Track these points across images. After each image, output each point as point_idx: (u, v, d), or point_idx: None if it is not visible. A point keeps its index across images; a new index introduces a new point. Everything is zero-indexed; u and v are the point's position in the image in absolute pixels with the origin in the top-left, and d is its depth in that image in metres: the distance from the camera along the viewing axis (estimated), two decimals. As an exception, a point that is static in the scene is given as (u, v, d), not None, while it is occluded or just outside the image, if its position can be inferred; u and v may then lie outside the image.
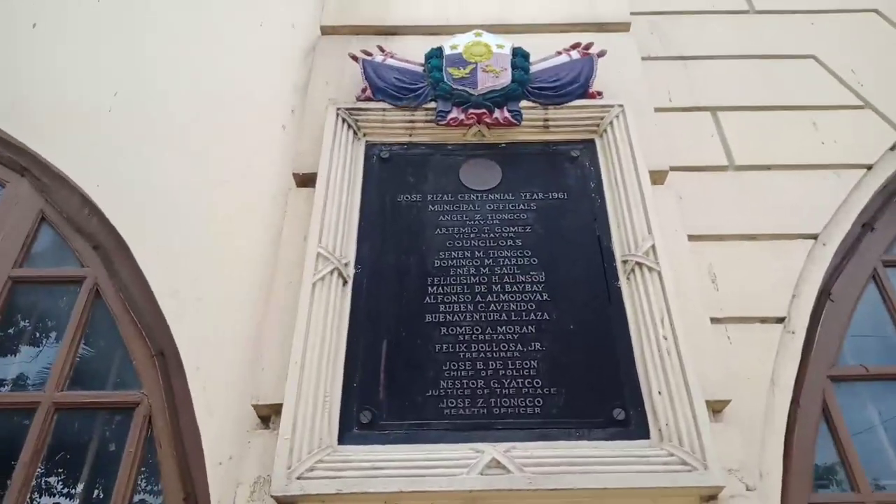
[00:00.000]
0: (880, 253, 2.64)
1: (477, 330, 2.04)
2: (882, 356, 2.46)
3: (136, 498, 2.11)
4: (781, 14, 3.28)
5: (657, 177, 2.44)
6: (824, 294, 2.47)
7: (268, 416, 2.00)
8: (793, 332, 2.33)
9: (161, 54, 3.02)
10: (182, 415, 2.17)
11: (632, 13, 3.05)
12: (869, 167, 2.73)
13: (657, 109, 2.73)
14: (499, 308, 2.09)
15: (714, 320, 2.22)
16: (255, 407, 1.99)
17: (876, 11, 3.30)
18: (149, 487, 2.14)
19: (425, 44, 2.74)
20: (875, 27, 3.25)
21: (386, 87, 2.49)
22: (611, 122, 2.49)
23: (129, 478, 2.10)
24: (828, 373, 2.33)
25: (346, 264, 2.15)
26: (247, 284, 2.34)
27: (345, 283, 2.13)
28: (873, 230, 2.67)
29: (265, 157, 2.67)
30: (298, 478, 1.75)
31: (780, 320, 2.32)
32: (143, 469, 2.14)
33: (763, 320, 2.31)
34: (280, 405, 1.90)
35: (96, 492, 2.16)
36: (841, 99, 2.96)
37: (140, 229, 2.50)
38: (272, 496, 1.75)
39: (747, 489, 1.86)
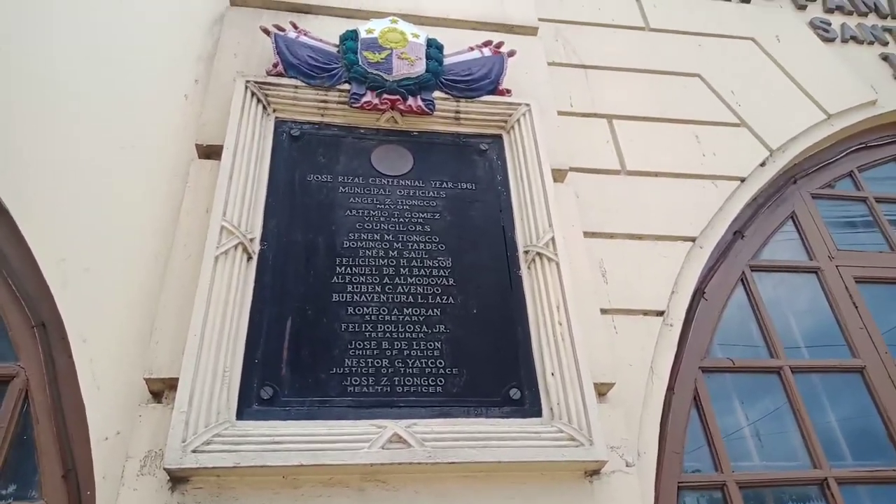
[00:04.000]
0: (748, 258, 2.94)
1: (383, 311, 2.08)
2: (747, 351, 2.72)
3: (8, 476, 1.96)
4: (673, 34, 3.55)
5: (558, 175, 2.57)
6: (699, 292, 2.71)
7: (161, 390, 1.94)
8: (671, 325, 2.53)
9: (54, 10, 2.81)
10: (64, 389, 2.05)
11: (539, 19, 3.19)
12: (742, 180, 3.02)
13: (560, 112, 2.89)
14: (405, 290, 2.13)
15: (603, 311, 2.38)
16: (148, 381, 1.92)
17: (753, 40, 3.64)
18: (24, 465, 1.99)
19: (339, 26, 2.74)
20: (752, 54, 3.59)
21: (299, 64, 2.46)
22: (518, 120, 2.59)
23: (0, 454, 1.95)
24: (699, 364, 2.56)
25: (251, 239, 2.11)
26: (141, 255, 2.24)
27: (249, 258, 2.09)
28: (743, 237, 2.96)
29: (165, 125, 2.56)
30: (194, 451, 1.71)
31: (660, 314, 2.52)
32: (17, 446, 1.99)
33: (645, 313, 2.50)
34: (174, 379, 1.85)
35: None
36: (721, 116, 3.25)
37: (23, 194, 2.32)
38: (165, 469, 1.71)
39: (627, 465, 2.01)
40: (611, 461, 1.94)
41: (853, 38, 3.89)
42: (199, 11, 2.93)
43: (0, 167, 2.36)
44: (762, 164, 3.13)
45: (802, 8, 3.97)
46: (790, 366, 2.64)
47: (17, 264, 2.23)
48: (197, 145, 2.38)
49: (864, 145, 3.53)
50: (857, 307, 2.87)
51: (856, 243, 3.21)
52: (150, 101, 2.62)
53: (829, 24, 3.90)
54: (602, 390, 2.15)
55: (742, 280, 2.87)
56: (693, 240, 2.76)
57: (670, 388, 2.41)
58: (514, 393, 2.00)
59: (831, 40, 3.84)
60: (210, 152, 2.35)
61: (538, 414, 1.98)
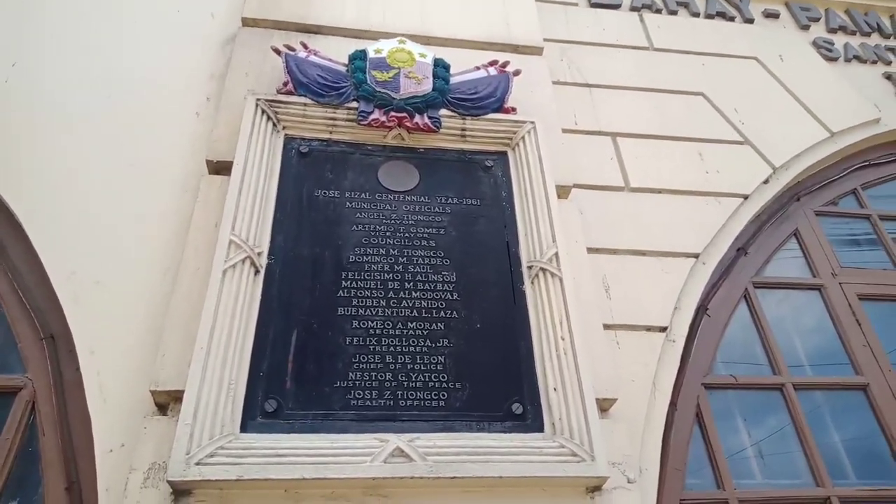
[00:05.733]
0: (752, 275, 2.95)
1: (388, 325, 2.10)
2: (749, 368, 2.73)
3: (12, 488, 1.98)
4: (676, 53, 3.59)
5: (562, 191, 2.60)
6: (702, 309, 2.72)
7: (166, 403, 1.96)
8: (673, 341, 2.54)
9: (68, 30, 2.87)
10: (71, 401, 2.08)
11: (545, 39, 3.24)
12: (746, 197, 3.04)
13: (564, 130, 2.92)
14: (410, 305, 2.15)
15: (606, 326, 2.40)
16: (154, 393, 1.94)
17: (756, 59, 3.68)
18: (28, 477, 2.01)
19: (348, 45, 2.80)
20: (755, 73, 3.62)
21: (308, 82, 2.51)
22: (523, 137, 2.63)
23: (4, 466, 1.97)
24: (702, 380, 2.57)
25: (259, 253, 2.14)
26: (150, 269, 2.27)
27: (257, 272, 2.12)
28: (747, 254, 2.97)
29: (176, 142, 2.61)
30: (197, 463, 1.73)
31: (663, 329, 2.53)
32: (22, 458, 2.01)
33: (648, 328, 2.51)
34: (180, 392, 1.87)
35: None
36: (724, 134, 3.28)
37: (36, 209, 2.36)
38: (168, 481, 1.72)
39: (628, 482, 2.01)
40: (612, 477, 1.94)
41: (856, 57, 3.92)
42: (212, 31, 2.99)
43: (14, 183, 2.41)
44: (765, 182, 3.15)
45: (805, 28, 4.00)
46: (793, 383, 2.65)
47: (29, 278, 2.27)
48: (207, 161, 2.43)
49: (867, 163, 3.55)
50: (860, 324, 2.87)
51: (859, 261, 3.22)
52: (162, 119, 2.67)
53: (833, 44, 3.94)
54: (604, 406, 2.16)
55: (745, 297, 2.88)
56: (696, 256, 2.78)
57: (672, 405, 2.41)
58: (517, 408, 2.01)
59: (834, 59, 3.87)
60: (220, 168, 2.39)
61: (540, 429, 1.99)
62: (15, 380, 2.11)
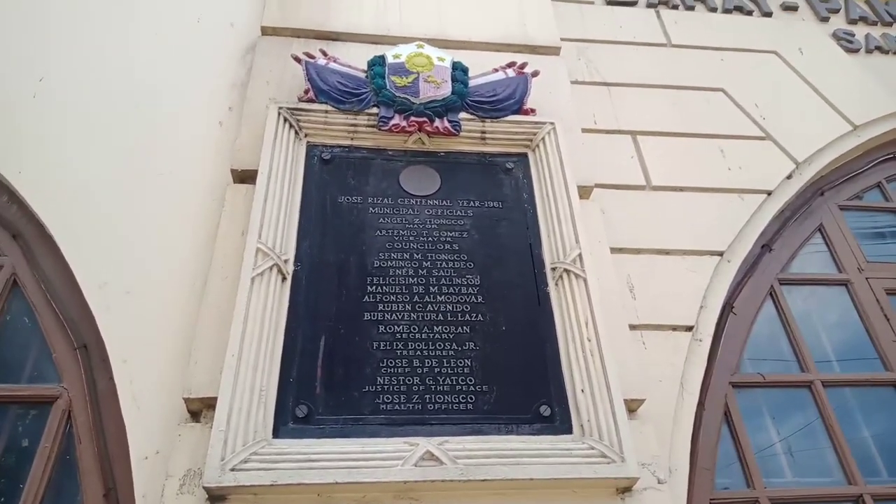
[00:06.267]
0: (777, 271, 2.92)
1: (414, 329, 2.11)
2: (777, 365, 2.71)
3: (51, 496, 2.03)
4: (695, 49, 3.57)
5: (584, 192, 2.60)
6: (728, 306, 2.70)
7: (199, 410, 1.99)
8: (700, 340, 2.53)
9: (92, 43, 2.92)
10: (106, 409, 2.12)
11: (562, 39, 3.23)
12: (769, 193, 3.02)
13: (584, 130, 2.92)
14: (435, 308, 2.16)
15: (632, 326, 2.40)
16: (187, 400, 1.97)
17: (776, 53, 3.64)
18: (66, 484, 2.05)
19: (366, 51, 2.82)
20: (775, 67, 3.59)
21: (329, 90, 2.53)
22: (543, 139, 2.63)
23: (44, 474, 2.02)
24: (730, 379, 2.56)
25: (285, 261, 2.17)
26: (179, 278, 2.31)
27: (284, 279, 2.14)
28: (771, 250, 2.95)
29: (201, 152, 2.65)
30: (232, 469, 1.75)
31: (689, 329, 2.52)
32: (60, 466, 2.06)
33: (674, 328, 2.50)
34: (212, 399, 1.90)
35: (7, 489, 2.05)
36: (746, 130, 3.25)
37: (66, 220, 2.41)
38: (204, 487, 1.74)
39: (658, 482, 2.01)
40: (642, 478, 1.94)
41: (878, 48, 3.87)
42: (233, 41, 3.03)
43: (45, 196, 2.47)
44: (788, 177, 3.12)
45: (825, 20, 3.96)
46: (821, 380, 2.62)
47: (61, 289, 2.33)
48: (232, 170, 2.46)
49: (891, 156, 3.50)
50: (888, 319, 2.84)
51: (886, 255, 3.18)
52: (186, 129, 2.71)
53: (853, 35, 3.89)
54: (632, 406, 2.15)
55: (771, 294, 2.86)
56: (721, 254, 2.76)
57: (701, 404, 2.41)
58: (545, 409, 2.01)
59: (855, 51, 3.82)
60: (245, 177, 2.42)
61: (569, 430, 1.99)
62: (51, 389, 2.16)
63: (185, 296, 2.26)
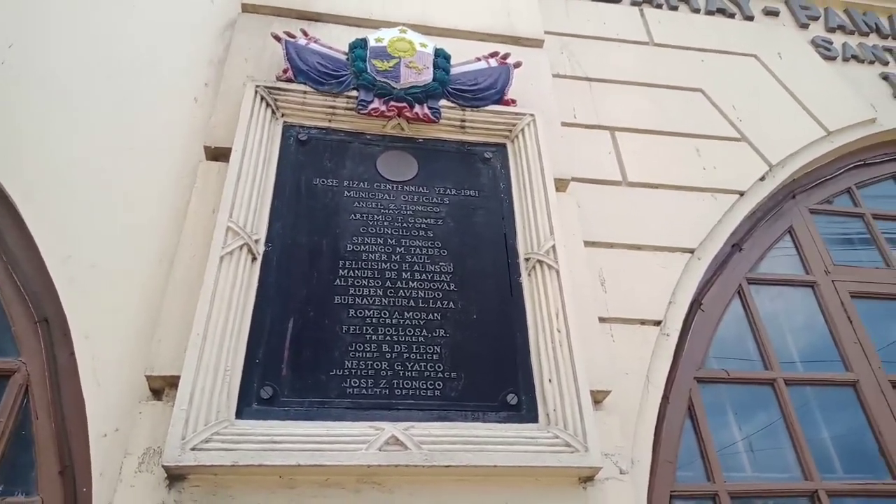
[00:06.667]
0: (746, 271, 2.97)
1: (385, 314, 2.10)
2: (742, 363, 2.75)
3: (5, 471, 1.98)
4: (676, 49, 3.60)
5: (560, 184, 2.60)
6: (696, 303, 2.74)
7: (161, 388, 1.95)
8: (667, 335, 2.56)
9: (66, 11, 2.84)
10: (65, 385, 2.07)
11: (546, 32, 3.23)
12: (741, 193, 3.05)
13: (563, 123, 2.92)
14: (407, 294, 2.15)
15: (601, 319, 2.41)
16: (149, 378, 1.93)
17: (755, 57, 3.69)
18: (21, 460, 2.00)
19: (348, 34, 2.79)
20: (754, 70, 3.64)
21: (308, 70, 2.50)
22: (522, 130, 2.63)
23: (-3, 450, 1.97)
24: (695, 374, 2.59)
25: (256, 241, 2.14)
26: (147, 254, 2.26)
27: (254, 259, 2.12)
28: (741, 250, 2.99)
29: (174, 127, 2.59)
30: (193, 449, 1.73)
31: (658, 323, 2.55)
32: (16, 441, 2.01)
33: (643, 322, 2.53)
34: (175, 377, 1.87)
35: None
36: (722, 131, 3.29)
37: (31, 191, 2.34)
38: (163, 466, 1.72)
39: (621, 473, 2.03)
40: (605, 468, 1.96)
41: (854, 56, 3.94)
42: (211, 16, 2.97)
43: (10, 167, 2.39)
44: (762, 179, 3.16)
45: (805, 27, 4.02)
46: (784, 378, 2.67)
47: (24, 261, 2.26)
48: (205, 147, 2.42)
49: (862, 162, 3.57)
50: (851, 322, 2.90)
51: (852, 259, 3.25)
52: (160, 103, 2.66)
53: (831, 43, 3.95)
54: (598, 398, 2.17)
55: (739, 292, 2.90)
56: (692, 251, 2.79)
57: (665, 398, 2.43)
58: (512, 398, 2.02)
59: (832, 59, 3.89)
60: (218, 154, 2.38)
61: (535, 419, 2.00)
62: (9, 363, 2.10)
63: (151, 272, 2.21)
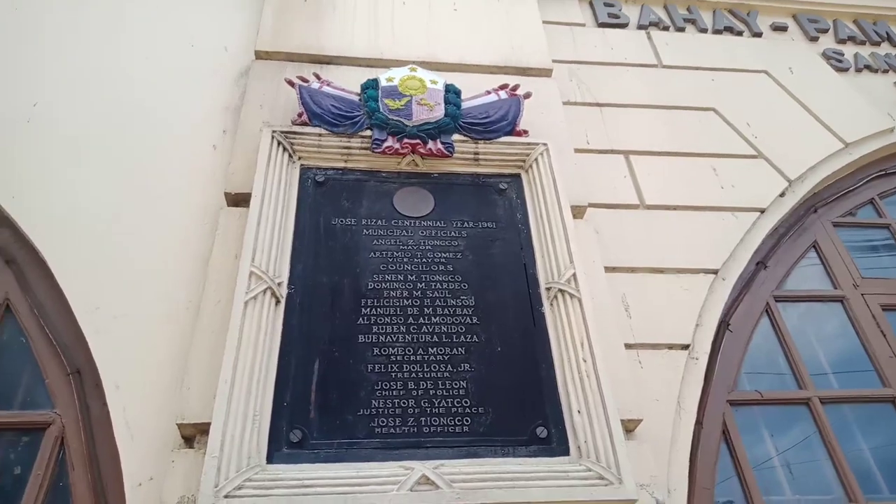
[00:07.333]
0: (772, 289, 2.93)
1: (409, 351, 2.10)
2: (774, 381, 2.70)
3: (44, 524, 2.00)
4: (686, 69, 3.61)
5: (577, 211, 2.61)
6: (724, 324, 2.70)
7: (192, 435, 1.97)
8: (696, 359, 2.52)
9: (86, 67, 2.94)
10: (99, 435, 2.10)
11: (554, 60, 3.27)
12: (762, 211, 3.03)
13: (577, 150, 2.93)
14: (430, 330, 2.16)
15: (627, 346, 2.39)
16: (180, 426, 1.95)
17: (766, 73, 3.68)
18: (59, 512, 2.03)
19: (360, 74, 2.85)
20: (766, 86, 3.63)
21: (323, 113, 2.55)
22: (536, 159, 2.64)
23: (37, 501, 1.99)
24: (727, 397, 2.54)
25: (279, 284, 2.16)
26: (172, 302, 2.30)
27: (277, 302, 2.14)
28: (766, 267, 2.96)
29: (194, 175, 2.65)
30: (226, 496, 1.73)
31: (685, 347, 2.51)
32: (53, 493, 2.03)
33: (670, 347, 2.50)
34: (206, 424, 1.88)
35: (-2, 518, 2.03)
36: (738, 149, 3.27)
37: (59, 245, 2.41)
38: (198, 515, 1.72)
39: (657, 503, 1.99)
40: (640, 499, 1.92)
41: (867, 66, 3.91)
42: (226, 64, 3.05)
43: (38, 220, 2.46)
44: (781, 195, 3.13)
45: (814, 40, 4.01)
46: (819, 396, 2.61)
47: (54, 314, 2.31)
48: (226, 193, 2.47)
49: (883, 172, 3.52)
50: (884, 335, 2.84)
51: (880, 269, 3.19)
52: (179, 152, 2.72)
53: (843, 55, 3.94)
54: (629, 427, 2.14)
55: (767, 311, 2.86)
56: (715, 272, 2.76)
57: (698, 423, 2.39)
58: (541, 431, 2.00)
59: (845, 70, 3.86)
60: (238, 200, 2.43)
61: (566, 452, 1.98)
62: (44, 415, 2.14)
63: (178, 320, 2.25)
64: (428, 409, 2.00)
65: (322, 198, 2.44)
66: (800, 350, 2.76)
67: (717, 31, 3.90)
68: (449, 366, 2.09)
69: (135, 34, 3.12)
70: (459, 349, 2.13)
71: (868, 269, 3.13)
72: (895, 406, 2.66)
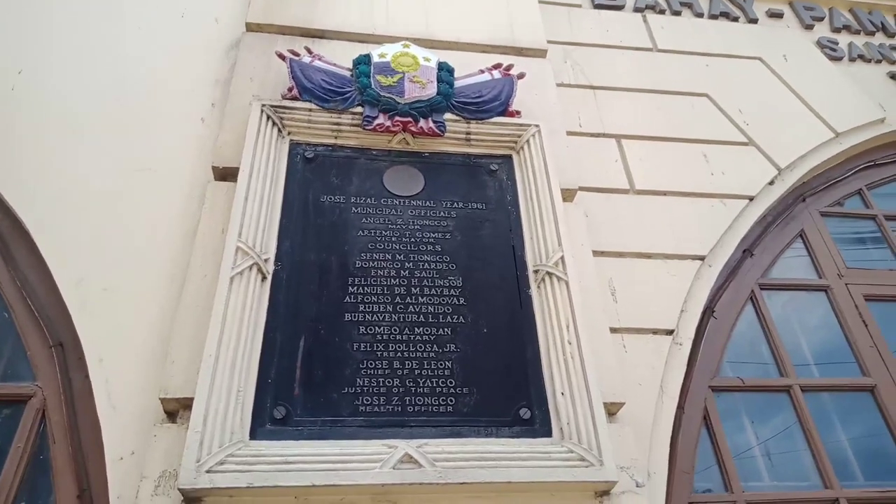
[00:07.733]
0: (758, 276, 2.94)
1: (395, 330, 2.10)
2: (756, 369, 2.73)
3: (24, 496, 1.99)
4: (681, 54, 3.59)
5: (567, 194, 2.60)
6: (709, 311, 2.71)
7: (175, 410, 1.96)
8: (680, 344, 2.54)
9: (74, 36, 2.88)
10: (81, 409, 2.08)
11: (548, 41, 3.23)
12: (751, 198, 3.04)
13: (569, 133, 2.92)
14: (417, 310, 2.15)
15: (612, 329, 2.39)
16: (163, 400, 1.94)
17: (760, 59, 3.67)
18: (40, 485, 2.02)
19: (352, 50, 2.80)
20: (760, 73, 3.62)
21: (313, 87, 2.51)
22: (528, 141, 2.63)
23: (17, 474, 1.98)
24: (709, 383, 2.57)
25: (265, 260, 2.15)
26: (158, 276, 2.28)
27: (264, 278, 2.12)
28: (752, 255, 2.97)
29: (182, 148, 2.62)
30: (208, 471, 1.73)
31: (670, 332, 2.53)
32: (34, 466, 2.02)
33: (655, 332, 2.51)
34: (189, 399, 1.87)
35: (-22, 490, 2.01)
36: (729, 135, 3.27)
37: (44, 216, 2.37)
38: (179, 489, 1.72)
39: (637, 486, 2.01)
40: (621, 481, 1.94)
41: (860, 56, 3.91)
42: (216, 36, 3.00)
43: (21, 190, 2.42)
44: (771, 183, 3.14)
45: (809, 28, 4.00)
46: (800, 384, 2.64)
47: (37, 285, 2.28)
48: (213, 167, 2.43)
49: (872, 163, 3.54)
50: (866, 325, 2.87)
51: (865, 260, 3.22)
52: (168, 124, 2.68)
53: (837, 44, 3.93)
54: (612, 410, 2.16)
55: (751, 298, 2.88)
56: (702, 258, 2.77)
57: (680, 408, 2.41)
58: (525, 413, 2.01)
59: (839, 59, 3.86)
60: (226, 174, 2.40)
61: (548, 434, 1.99)
62: (25, 388, 2.12)
63: (163, 294, 2.23)
64: (413, 389, 2.00)
65: (311, 174, 2.42)
66: (783, 338, 2.78)
67: (713, 16, 3.88)
68: (435, 346, 2.09)
69: (126, 3, 3.06)
70: (446, 329, 2.13)
71: (854, 261, 3.15)
72: (874, 395, 2.69)
